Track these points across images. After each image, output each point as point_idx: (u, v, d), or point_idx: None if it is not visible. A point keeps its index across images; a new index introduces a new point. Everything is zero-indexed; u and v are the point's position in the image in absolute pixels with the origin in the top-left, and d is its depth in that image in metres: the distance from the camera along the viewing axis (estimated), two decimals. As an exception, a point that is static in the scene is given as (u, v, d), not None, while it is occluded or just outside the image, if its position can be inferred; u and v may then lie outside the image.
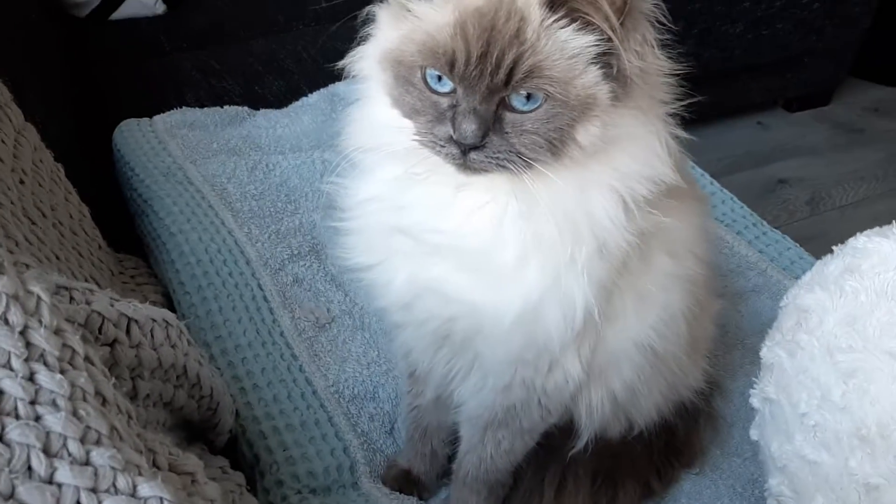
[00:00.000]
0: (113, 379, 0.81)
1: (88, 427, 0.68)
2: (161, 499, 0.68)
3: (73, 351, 0.76)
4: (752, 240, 1.68)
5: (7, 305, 0.69)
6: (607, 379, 1.15)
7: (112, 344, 0.91)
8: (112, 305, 0.93)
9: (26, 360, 0.68)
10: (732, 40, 3.03)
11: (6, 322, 0.69)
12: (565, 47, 0.88)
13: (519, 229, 0.96)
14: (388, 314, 1.12)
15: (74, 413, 0.68)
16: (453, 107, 0.89)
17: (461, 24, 0.88)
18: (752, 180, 3.14)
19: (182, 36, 2.42)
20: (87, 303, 0.90)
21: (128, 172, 1.69)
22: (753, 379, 1.14)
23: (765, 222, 1.73)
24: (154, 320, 0.99)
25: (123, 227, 1.71)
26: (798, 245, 1.68)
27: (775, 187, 3.13)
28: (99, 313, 0.90)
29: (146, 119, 1.87)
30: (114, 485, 0.66)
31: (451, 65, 0.88)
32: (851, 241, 1.02)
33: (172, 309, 1.44)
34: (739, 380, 1.46)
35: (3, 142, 1.14)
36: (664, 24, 0.94)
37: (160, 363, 1.00)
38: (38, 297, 0.74)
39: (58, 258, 1.10)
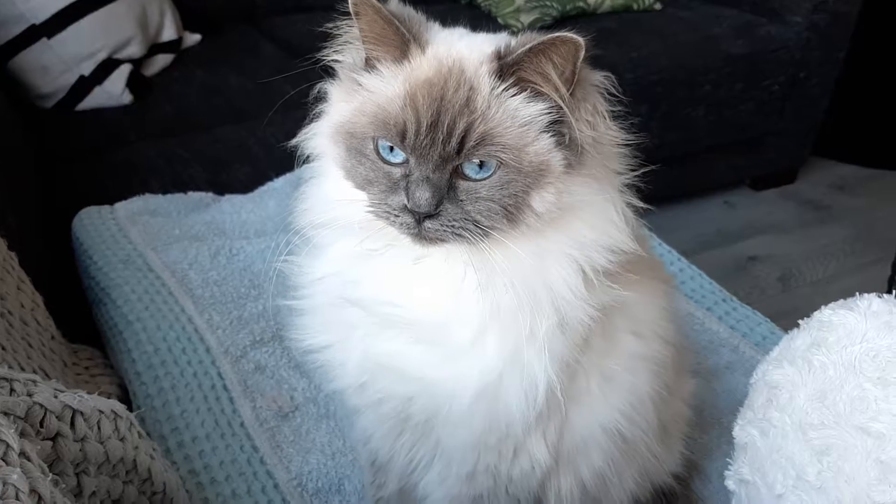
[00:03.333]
0: (50, 476, 0.77)
1: (17, 529, 0.63)
2: None
3: (7, 446, 0.72)
4: (723, 315, 1.66)
5: (-68, 399, 0.65)
6: (575, 466, 1.11)
7: (55, 438, 0.87)
8: (56, 397, 0.89)
9: (-49, 457, 0.64)
10: (696, 122, 3.09)
11: (-70, 417, 0.65)
12: (516, 115, 0.89)
13: (477, 301, 0.94)
14: (345, 397, 1.08)
15: (2, 513, 0.64)
16: (406, 176, 0.89)
17: (411, 96, 0.89)
18: (723, 258, 3.15)
19: (148, 125, 2.43)
20: (29, 394, 0.86)
21: (86, 261, 1.66)
22: (728, 460, 1.11)
23: (734, 298, 1.72)
24: (101, 412, 0.95)
25: (83, 318, 1.67)
26: (769, 320, 1.66)
27: (746, 264, 3.15)
28: (41, 405, 0.86)
29: (107, 206, 1.85)
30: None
31: (403, 135, 0.88)
32: (817, 314, 1.00)
33: (128, 401, 1.39)
34: (718, 460, 1.42)
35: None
36: (616, 96, 0.94)
37: (108, 457, 0.95)
38: (-31, 390, 0.70)
39: (3, 348, 1.06)
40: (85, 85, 2.41)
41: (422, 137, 0.87)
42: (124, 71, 2.46)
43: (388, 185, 0.90)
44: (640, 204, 1.00)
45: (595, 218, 0.95)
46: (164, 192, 2.06)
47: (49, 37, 2.35)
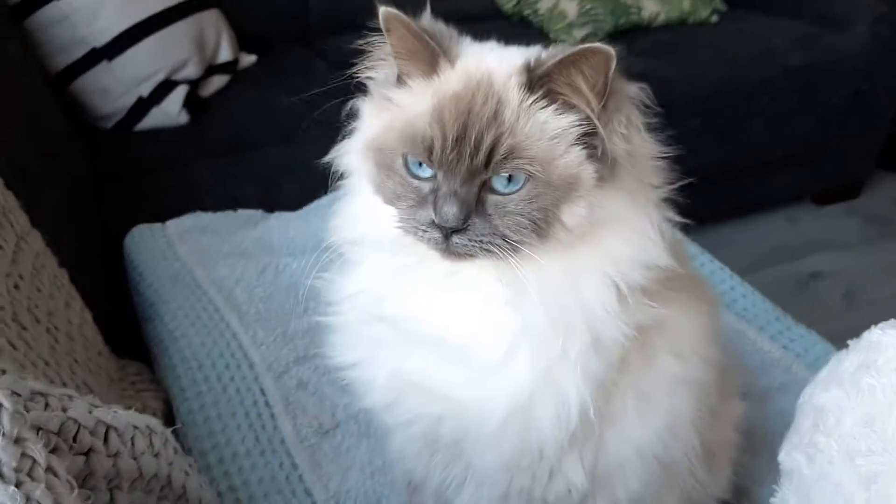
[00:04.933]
0: (77, 491, 0.77)
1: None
2: None
3: (34, 461, 0.73)
4: (776, 335, 1.61)
5: (-39, 413, 0.67)
6: (611, 489, 1.08)
7: (87, 453, 0.88)
8: (90, 412, 0.90)
9: (-23, 470, 0.65)
10: (753, 136, 3.03)
11: (-41, 431, 0.66)
12: (546, 128, 0.87)
13: (507, 319, 0.93)
14: (376, 415, 1.07)
15: (24, 528, 0.64)
16: (434, 191, 0.88)
17: (439, 110, 0.88)
18: (784, 276, 3.07)
19: (203, 144, 2.48)
20: (64, 409, 0.87)
21: (136, 277, 1.69)
22: (774, 487, 1.07)
23: (789, 316, 1.66)
24: (136, 427, 0.96)
25: (134, 334, 1.70)
26: (824, 339, 1.61)
27: (808, 282, 3.06)
28: (74, 420, 0.87)
29: (158, 224, 1.89)
30: None
31: (430, 150, 0.87)
32: (866, 334, 0.95)
33: (173, 416, 1.41)
34: (768, 486, 1.35)
35: (0, 247, 1.15)
36: (652, 108, 0.92)
37: (141, 473, 0.95)
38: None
39: (46, 363, 1.08)
40: (143, 106, 2.47)
41: (448, 152, 0.86)
42: (181, 92, 2.52)
43: (416, 200, 0.89)
44: (679, 219, 0.97)
45: (629, 232, 0.92)
46: (216, 211, 2.10)
47: (110, 59, 2.42)
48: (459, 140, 0.86)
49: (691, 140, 2.95)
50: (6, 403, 0.72)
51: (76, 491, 0.76)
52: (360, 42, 0.97)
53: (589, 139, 0.88)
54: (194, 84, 2.61)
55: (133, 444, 0.94)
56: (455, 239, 0.87)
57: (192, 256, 1.76)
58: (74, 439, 0.86)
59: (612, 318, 0.93)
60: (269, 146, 2.48)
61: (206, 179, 2.33)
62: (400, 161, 0.90)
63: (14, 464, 0.69)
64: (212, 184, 2.33)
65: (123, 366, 1.49)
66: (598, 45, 0.83)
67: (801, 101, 3.03)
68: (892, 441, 0.85)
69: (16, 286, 1.12)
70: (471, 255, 0.88)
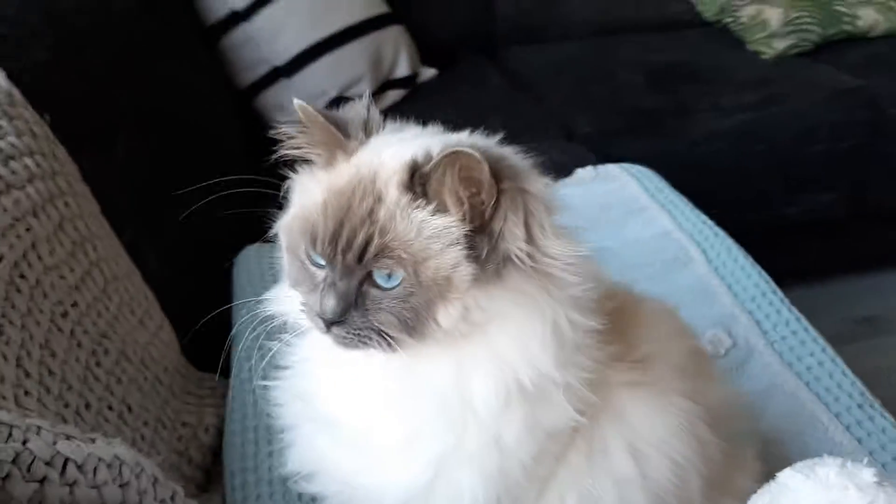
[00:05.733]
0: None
1: None
2: None
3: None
4: (853, 424, 1.39)
5: None
6: None
7: (42, 481, 1.00)
8: (54, 443, 1.02)
9: None
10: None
11: None
12: (422, 228, 0.85)
13: (399, 411, 0.93)
14: (299, 482, 1.10)
15: None
16: (323, 281, 0.89)
17: (325, 203, 0.90)
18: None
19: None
20: (24, 441, 1.00)
21: (238, 294, 1.84)
22: None
23: (877, 403, 1.43)
24: (101, 459, 1.06)
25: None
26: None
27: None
28: (30, 451, 0.99)
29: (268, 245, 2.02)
30: None
31: (314, 242, 0.89)
32: (780, 474, 0.86)
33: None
34: None
35: (63, 277, 1.32)
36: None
37: (103, 501, 1.07)
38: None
39: (69, 387, 1.23)
40: (314, 121, 2.66)
41: (326, 246, 0.87)
42: (350, 108, 2.67)
43: (310, 287, 0.92)
44: (589, 323, 0.91)
45: (516, 332, 0.88)
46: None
47: (288, 77, 2.64)
48: (336, 235, 0.87)
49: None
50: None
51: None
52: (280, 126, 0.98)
53: (474, 240, 0.85)
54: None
55: (95, 474, 1.06)
56: (334, 329, 0.88)
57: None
58: (29, 469, 1.00)
59: (508, 417, 0.90)
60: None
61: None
62: (302, 247, 0.92)
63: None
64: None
65: (201, 379, 1.65)
66: (460, 149, 0.81)
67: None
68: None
69: (64, 314, 1.29)
70: (353, 346, 0.89)
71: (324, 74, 2.66)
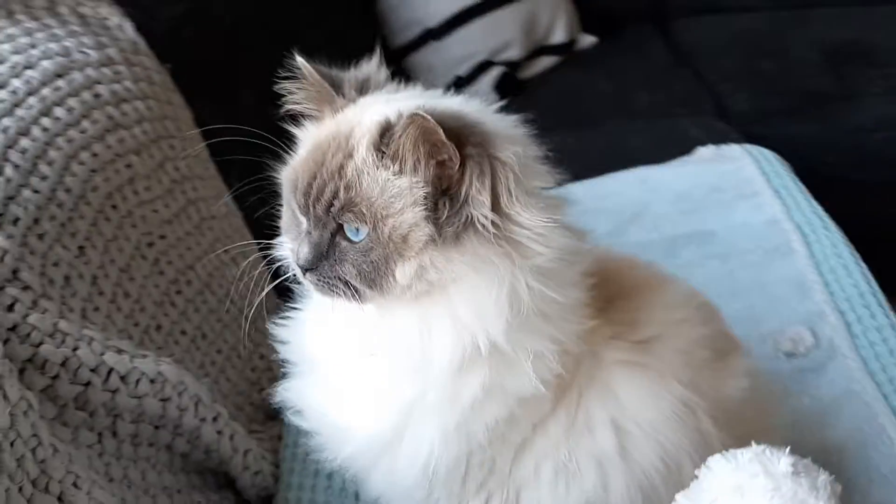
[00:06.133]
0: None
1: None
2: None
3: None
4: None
5: None
6: None
7: (86, 385, 1.14)
8: (101, 354, 1.16)
9: None
10: None
11: None
12: (385, 186, 0.88)
13: (370, 360, 0.97)
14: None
15: None
16: (304, 229, 0.94)
17: (306, 156, 0.95)
18: None
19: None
20: (75, 349, 1.14)
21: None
22: None
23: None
24: (144, 373, 1.19)
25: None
26: None
27: None
28: (78, 357, 1.13)
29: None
30: None
31: (294, 192, 0.94)
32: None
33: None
34: None
35: (166, 206, 1.47)
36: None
37: (143, 410, 1.19)
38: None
39: (143, 310, 1.37)
40: (459, 84, 2.68)
41: (300, 196, 0.92)
42: (496, 73, 2.68)
43: (295, 234, 0.97)
44: (554, 294, 0.90)
45: (471, 295, 0.89)
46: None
47: (438, 40, 2.69)
48: (309, 187, 0.91)
49: None
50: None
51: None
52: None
53: (438, 203, 0.87)
54: (515, 65, 2.75)
55: (137, 385, 1.19)
56: (308, 276, 0.93)
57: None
58: (75, 373, 1.13)
59: (467, 377, 0.92)
60: (558, 132, 2.52)
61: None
62: (289, 197, 0.97)
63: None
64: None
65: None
66: (419, 112, 0.82)
67: None
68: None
69: (150, 244, 1.43)
70: (325, 293, 0.93)
71: (474, 38, 2.69)
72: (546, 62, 2.83)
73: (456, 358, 0.90)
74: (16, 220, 1.17)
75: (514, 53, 2.73)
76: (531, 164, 0.91)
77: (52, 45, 1.41)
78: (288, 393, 1.08)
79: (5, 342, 1.06)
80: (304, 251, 0.92)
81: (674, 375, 1.01)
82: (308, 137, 0.98)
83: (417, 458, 0.96)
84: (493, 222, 0.86)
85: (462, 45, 2.68)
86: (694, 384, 1.02)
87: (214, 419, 1.30)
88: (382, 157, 0.88)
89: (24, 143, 1.26)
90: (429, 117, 0.81)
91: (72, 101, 1.36)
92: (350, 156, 0.90)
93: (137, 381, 1.19)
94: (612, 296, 1.05)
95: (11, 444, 0.97)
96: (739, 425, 1.07)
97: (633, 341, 1.02)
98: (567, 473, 1.00)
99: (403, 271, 0.89)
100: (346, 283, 0.91)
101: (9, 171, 1.21)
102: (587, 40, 2.93)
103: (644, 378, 1.00)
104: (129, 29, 1.60)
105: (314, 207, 0.91)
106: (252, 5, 2.05)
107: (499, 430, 0.96)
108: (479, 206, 0.86)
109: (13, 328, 1.08)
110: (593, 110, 2.57)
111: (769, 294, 1.27)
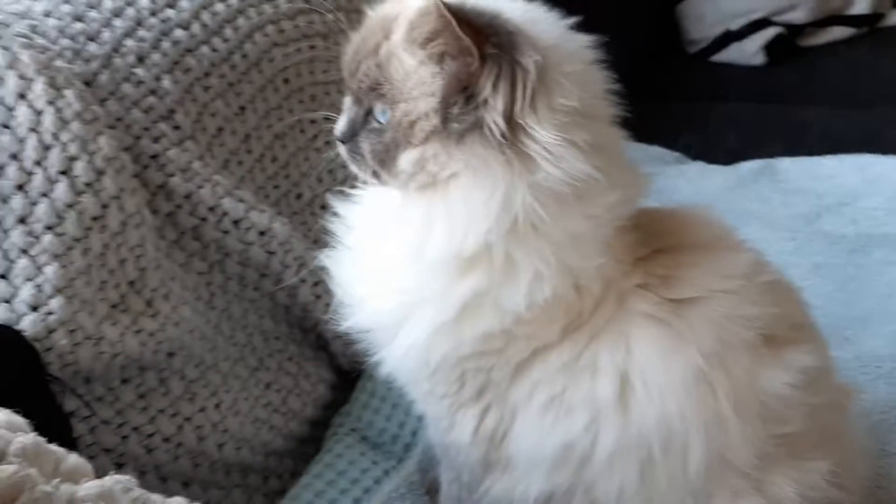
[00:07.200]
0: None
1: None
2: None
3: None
4: None
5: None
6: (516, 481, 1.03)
7: (202, 219, 1.29)
8: (219, 196, 1.30)
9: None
10: None
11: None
12: (408, 72, 0.90)
13: (385, 244, 1.00)
14: None
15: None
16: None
17: (359, 32, 0.98)
18: None
19: (754, 90, 2.42)
20: (199, 187, 1.30)
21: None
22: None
23: None
24: (255, 224, 1.32)
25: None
26: None
27: None
28: (197, 194, 1.29)
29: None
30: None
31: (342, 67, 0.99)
32: None
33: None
34: None
35: (326, 94, 1.59)
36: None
37: (248, 256, 1.33)
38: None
39: (287, 177, 1.50)
40: (727, 39, 2.54)
41: (344, 71, 0.97)
42: (769, 33, 2.48)
43: (345, 109, 1.01)
44: (541, 213, 0.87)
45: (465, 194, 0.89)
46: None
47: (716, -11, 2.53)
48: (351, 62, 0.95)
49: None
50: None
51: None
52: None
53: (452, 96, 0.87)
54: (797, 29, 2.50)
55: (247, 233, 1.32)
56: (343, 148, 0.98)
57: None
58: (194, 209, 1.29)
59: (458, 278, 0.92)
60: (807, 110, 2.28)
61: (716, 121, 2.30)
62: None
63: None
64: (724, 130, 2.28)
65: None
66: (439, 2, 0.82)
67: None
68: None
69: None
70: (355, 165, 0.98)
71: (757, -7, 2.49)
72: (837, 32, 2.55)
73: (446, 253, 0.91)
74: (187, 70, 1.34)
75: (798, 16, 2.49)
76: (562, 80, 0.87)
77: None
78: (328, 260, 1.15)
79: (145, 167, 1.24)
80: (342, 124, 0.97)
81: (696, 344, 0.92)
82: (372, 15, 1.02)
83: (412, 347, 0.98)
84: (500, 129, 0.85)
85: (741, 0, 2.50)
86: (721, 361, 0.92)
87: (315, 284, 1.40)
88: (411, 44, 0.90)
89: (218, 6, 1.42)
90: (443, 8, 0.82)
91: (273, -23, 1.50)
92: (387, 37, 0.92)
93: (248, 229, 1.33)
94: (662, 249, 0.98)
95: (118, 247, 1.15)
96: (774, 426, 0.95)
97: (664, 297, 0.95)
98: (559, 408, 0.96)
99: (407, 158, 0.91)
100: (367, 162, 0.95)
101: (195, 27, 1.38)
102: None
103: (665, 338, 0.93)
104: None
105: (351, 83, 0.96)
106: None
107: (494, 343, 0.95)
108: (492, 110, 0.85)
109: (154, 156, 1.26)
110: (874, 92, 2.27)
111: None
